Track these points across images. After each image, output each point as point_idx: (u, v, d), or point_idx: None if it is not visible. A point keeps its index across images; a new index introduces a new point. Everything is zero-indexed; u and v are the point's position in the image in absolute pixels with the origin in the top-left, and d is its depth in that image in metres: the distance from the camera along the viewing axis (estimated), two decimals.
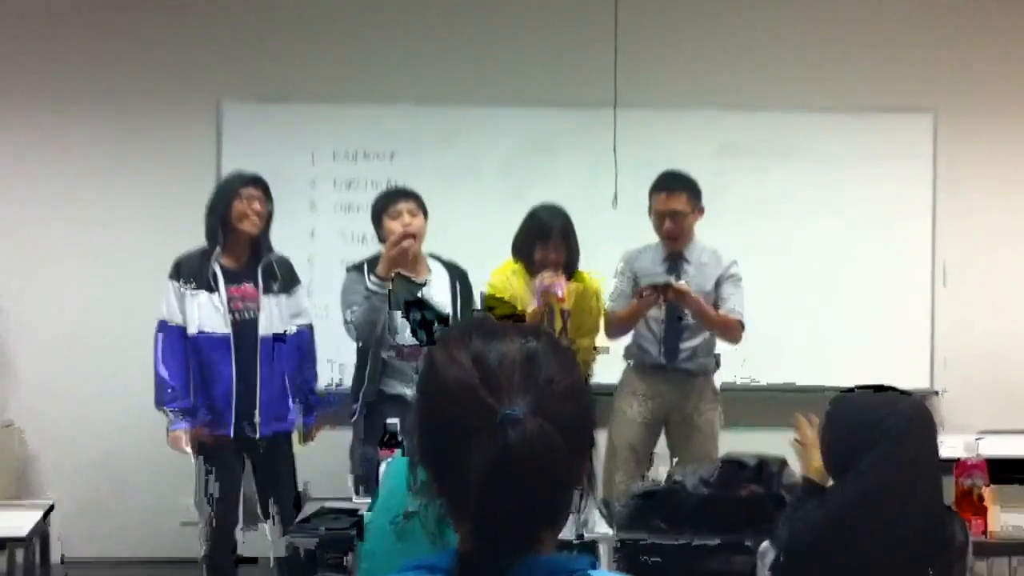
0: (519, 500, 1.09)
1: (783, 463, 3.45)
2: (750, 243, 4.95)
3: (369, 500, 3.11)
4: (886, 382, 2.50)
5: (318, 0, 5.46)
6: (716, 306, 4.27)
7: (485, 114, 5.42)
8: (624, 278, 4.40)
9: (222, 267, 4.17)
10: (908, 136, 5.53)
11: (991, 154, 5.61)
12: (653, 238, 4.41)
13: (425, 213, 4.22)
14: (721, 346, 4.45)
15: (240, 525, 4.28)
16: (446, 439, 1.13)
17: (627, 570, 3.08)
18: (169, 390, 4.10)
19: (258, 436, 4.20)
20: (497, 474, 1.08)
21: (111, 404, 5.04)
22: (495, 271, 4.34)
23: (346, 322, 4.12)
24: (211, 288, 4.13)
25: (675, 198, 4.29)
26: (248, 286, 4.19)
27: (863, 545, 2.33)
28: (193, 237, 4.20)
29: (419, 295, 4.07)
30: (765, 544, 2.49)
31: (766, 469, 3.37)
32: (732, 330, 4.30)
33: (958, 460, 3.22)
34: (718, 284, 4.31)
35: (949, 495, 3.06)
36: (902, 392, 2.46)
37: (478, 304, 4.35)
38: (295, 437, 4.36)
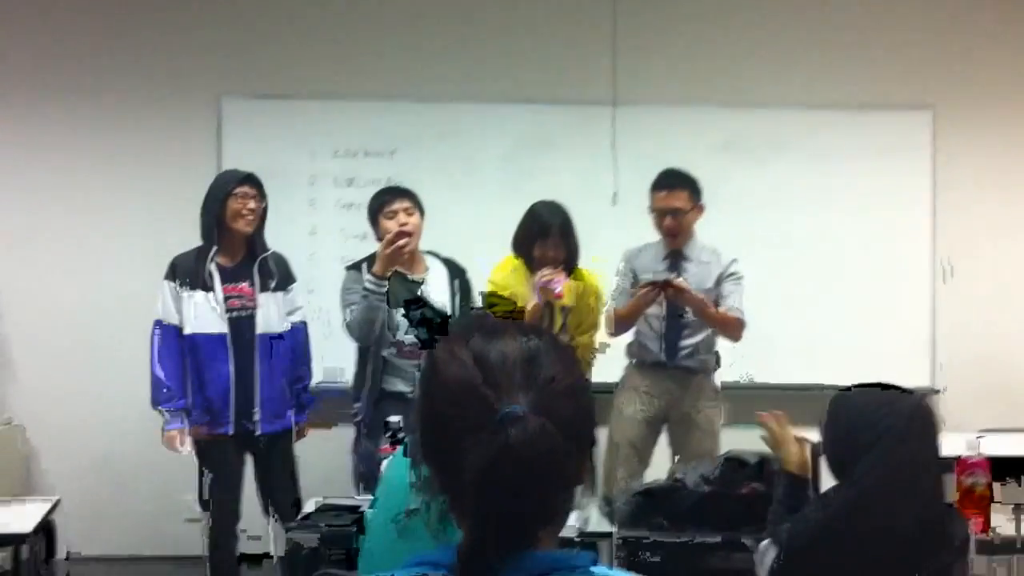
0: (520, 497, 1.10)
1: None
2: (749, 240, 4.96)
3: (370, 497, 3.12)
4: (886, 379, 2.50)
5: None
6: (716, 304, 4.27)
7: (485, 111, 5.43)
8: (624, 276, 4.40)
9: (218, 266, 4.18)
10: (907, 132, 5.53)
11: (990, 150, 5.61)
12: (653, 234, 4.41)
13: (421, 211, 4.22)
14: (720, 344, 4.46)
15: (240, 523, 4.32)
16: (447, 437, 1.14)
17: (627, 567, 3.09)
18: (164, 390, 4.14)
19: (258, 433, 4.22)
20: (498, 472, 1.09)
21: (113, 401, 5.04)
22: (495, 268, 4.34)
23: (345, 321, 4.13)
24: (207, 287, 4.15)
25: (675, 195, 4.29)
26: (245, 284, 4.21)
27: (864, 543, 2.33)
28: (194, 234, 4.21)
29: (418, 292, 4.08)
30: (765, 543, 2.50)
31: (767, 467, 3.37)
32: (732, 327, 4.30)
33: (959, 458, 3.22)
34: (718, 282, 4.32)
35: (951, 493, 3.07)
36: (902, 390, 2.46)
37: (478, 301, 4.36)
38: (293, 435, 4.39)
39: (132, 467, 5.12)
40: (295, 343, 4.34)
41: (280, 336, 4.27)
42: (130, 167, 5.33)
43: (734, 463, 3.40)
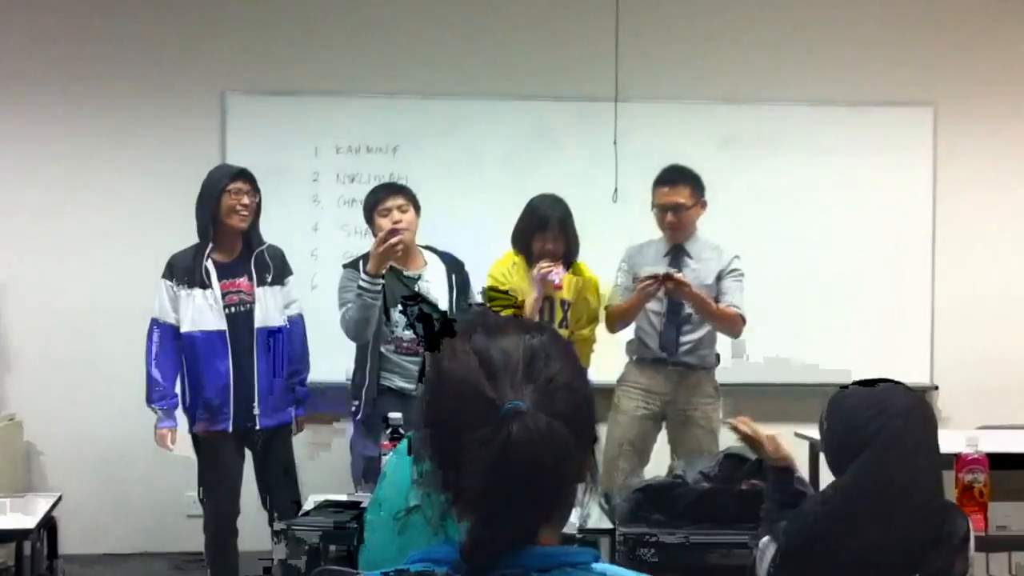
0: (522, 493, 1.11)
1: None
2: (750, 236, 4.96)
3: (370, 494, 3.12)
4: (884, 376, 2.50)
5: None
6: (717, 300, 4.27)
7: (487, 107, 5.43)
8: (625, 273, 4.41)
9: (215, 262, 4.20)
10: (908, 129, 5.54)
11: (991, 147, 5.62)
12: (653, 231, 4.42)
13: (417, 207, 4.23)
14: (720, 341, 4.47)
15: (240, 519, 4.33)
16: (450, 433, 1.14)
17: (627, 564, 3.09)
18: (158, 388, 4.18)
19: (258, 428, 4.23)
20: (500, 467, 1.10)
21: (114, 398, 5.05)
22: (495, 263, 4.36)
23: (342, 319, 4.15)
24: (205, 284, 4.16)
25: (677, 191, 4.29)
26: (242, 279, 4.23)
27: (864, 540, 2.33)
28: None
29: (415, 288, 4.09)
30: (765, 539, 2.50)
31: (767, 464, 3.37)
32: (732, 323, 4.30)
33: (958, 455, 3.22)
34: (719, 278, 4.32)
35: (950, 490, 3.07)
36: (900, 386, 2.46)
37: (477, 295, 4.37)
38: (294, 428, 4.41)
39: (133, 464, 5.13)
40: (292, 336, 4.35)
41: (279, 330, 4.28)
42: (134, 161, 5.33)
43: (733, 460, 3.40)
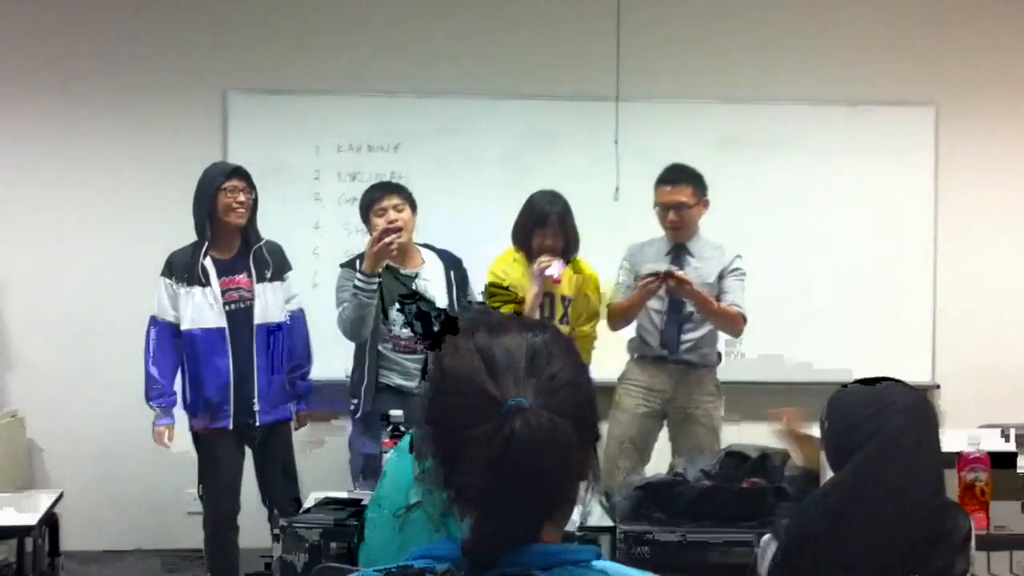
0: (524, 491, 1.11)
1: (786, 456, 3.46)
2: (751, 235, 4.96)
3: (370, 491, 3.12)
4: (886, 374, 2.50)
5: None
6: (718, 299, 4.27)
7: (488, 106, 5.43)
8: (627, 271, 4.41)
9: (214, 260, 4.21)
10: (910, 129, 5.53)
11: (993, 147, 5.61)
12: (654, 230, 4.42)
13: (413, 206, 4.23)
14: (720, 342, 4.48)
15: (240, 516, 4.34)
16: (453, 430, 1.15)
17: (627, 563, 3.10)
18: (156, 386, 4.20)
19: (258, 424, 4.24)
20: (502, 464, 1.10)
21: (116, 395, 5.05)
22: (496, 260, 4.37)
23: (339, 319, 4.15)
24: (204, 283, 4.17)
25: (679, 190, 4.30)
26: (241, 276, 4.24)
27: (864, 538, 2.33)
28: None
29: (412, 286, 4.09)
30: (767, 537, 2.50)
31: (768, 462, 3.38)
32: (733, 322, 4.31)
33: (960, 454, 3.22)
34: (721, 277, 4.32)
35: (952, 489, 3.07)
36: (901, 385, 2.46)
37: (475, 291, 4.38)
38: (293, 424, 4.41)
39: (134, 461, 5.13)
40: (293, 331, 4.36)
41: (279, 326, 4.29)
42: (136, 159, 5.33)
43: (734, 458, 3.40)
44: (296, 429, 4.44)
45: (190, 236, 4.25)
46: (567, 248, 4.29)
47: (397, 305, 3.96)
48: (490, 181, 5.33)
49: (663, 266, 4.20)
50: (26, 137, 5.34)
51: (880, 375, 2.49)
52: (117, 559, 5.25)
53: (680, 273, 4.15)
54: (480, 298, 4.33)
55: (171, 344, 4.22)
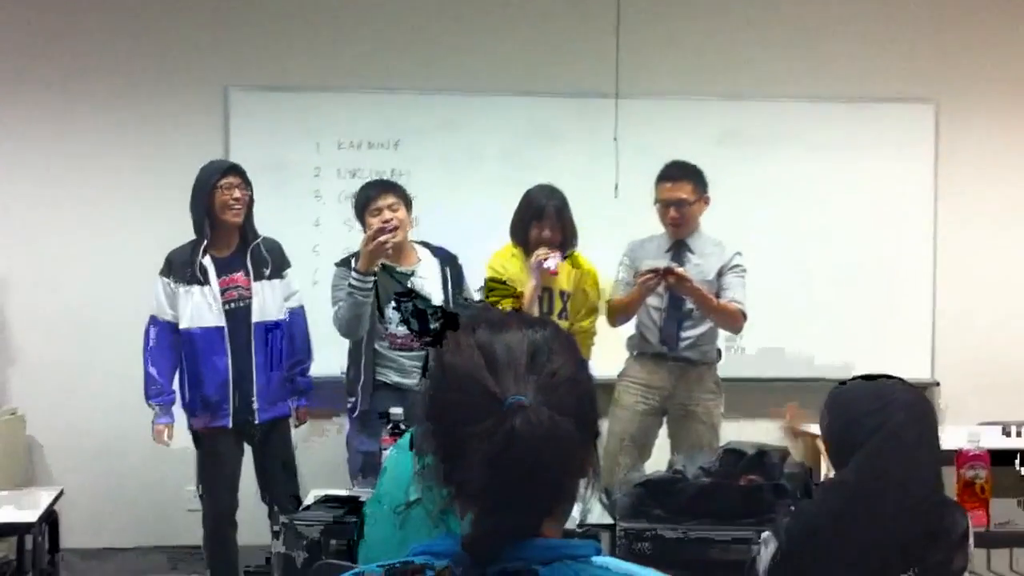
0: (524, 488, 1.11)
1: (784, 453, 3.47)
2: (750, 232, 4.97)
3: (368, 489, 3.12)
4: (885, 372, 2.50)
5: None
6: (718, 296, 4.28)
7: (488, 103, 5.43)
8: (627, 267, 4.41)
9: (213, 258, 4.21)
10: (909, 126, 5.53)
11: (992, 144, 5.61)
12: (654, 227, 4.42)
13: (408, 204, 4.23)
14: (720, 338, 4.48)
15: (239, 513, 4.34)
16: (454, 427, 1.15)
17: (627, 559, 3.10)
18: (154, 385, 4.21)
19: (257, 422, 4.25)
20: (503, 461, 1.10)
21: (116, 393, 5.04)
22: (494, 255, 4.38)
23: (335, 317, 4.15)
24: (202, 282, 4.17)
25: (680, 186, 4.30)
26: (240, 274, 4.24)
27: (866, 536, 2.33)
28: None
29: (408, 284, 4.10)
30: (765, 535, 2.50)
31: (766, 459, 3.38)
32: (733, 318, 4.31)
33: (960, 451, 3.23)
34: (720, 274, 4.32)
35: (951, 486, 3.07)
36: (900, 382, 2.46)
37: (471, 287, 4.38)
38: (292, 422, 4.42)
39: (134, 458, 5.13)
40: (293, 328, 4.36)
41: (277, 324, 4.29)
42: (137, 156, 5.32)
43: (733, 455, 3.41)
44: (296, 426, 4.44)
45: (191, 233, 4.25)
46: (565, 241, 4.29)
47: (393, 303, 3.97)
48: (490, 178, 5.32)
49: (663, 263, 4.20)
50: (27, 133, 5.33)
51: (879, 372, 2.49)
52: (117, 556, 5.25)
53: (680, 270, 4.15)
54: (476, 295, 4.34)
55: (170, 343, 4.23)
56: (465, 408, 1.14)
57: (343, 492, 3.56)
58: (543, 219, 4.25)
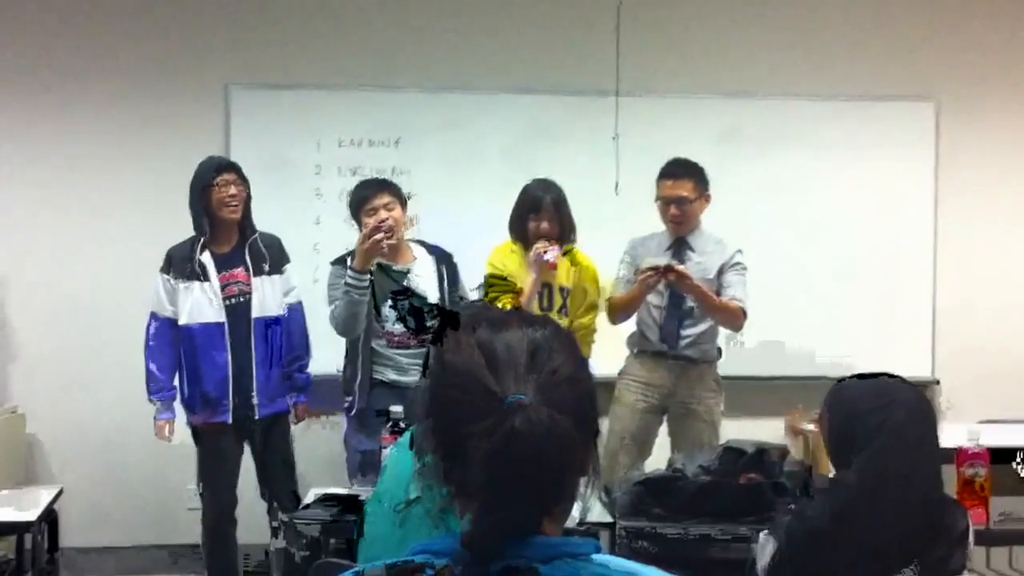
0: (524, 486, 1.11)
1: (784, 452, 3.47)
2: (751, 230, 4.96)
3: (367, 487, 3.13)
4: (885, 370, 2.50)
5: None
6: (719, 294, 4.27)
7: (489, 101, 5.42)
8: (628, 265, 4.41)
9: (213, 255, 4.21)
10: (910, 124, 5.52)
11: (993, 143, 5.61)
12: (655, 224, 4.42)
13: (403, 203, 4.24)
14: (720, 335, 4.48)
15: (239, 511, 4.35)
16: (454, 425, 1.15)
17: (626, 557, 3.10)
18: (156, 382, 4.22)
19: (257, 417, 4.25)
20: (503, 460, 1.10)
21: (116, 391, 5.05)
22: (494, 250, 4.39)
23: (331, 316, 4.15)
24: (202, 278, 4.18)
25: (680, 184, 4.30)
26: (239, 270, 4.24)
27: (867, 535, 2.33)
28: None
29: (404, 282, 4.11)
30: (764, 535, 2.50)
31: (766, 457, 3.38)
32: (733, 316, 4.30)
33: (960, 449, 3.23)
34: (721, 272, 4.32)
35: (951, 484, 3.07)
36: (900, 380, 2.46)
37: (467, 286, 4.38)
38: (291, 418, 4.42)
39: (134, 456, 5.13)
40: (291, 323, 4.37)
41: (276, 320, 4.30)
42: (138, 154, 5.31)
43: (733, 453, 3.41)
44: (295, 423, 4.45)
45: (191, 230, 4.27)
46: (563, 234, 4.30)
47: (389, 301, 3.98)
48: (491, 176, 5.32)
49: (663, 260, 4.20)
50: (27, 132, 5.33)
51: (879, 371, 2.49)
52: (117, 555, 5.25)
53: (680, 267, 4.15)
54: (472, 293, 4.35)
55: (169, 339, 4.23)
56: (465, 407, 1.14)
57: (342, 491, 3.56)
58: (540, 212, 4.26)
